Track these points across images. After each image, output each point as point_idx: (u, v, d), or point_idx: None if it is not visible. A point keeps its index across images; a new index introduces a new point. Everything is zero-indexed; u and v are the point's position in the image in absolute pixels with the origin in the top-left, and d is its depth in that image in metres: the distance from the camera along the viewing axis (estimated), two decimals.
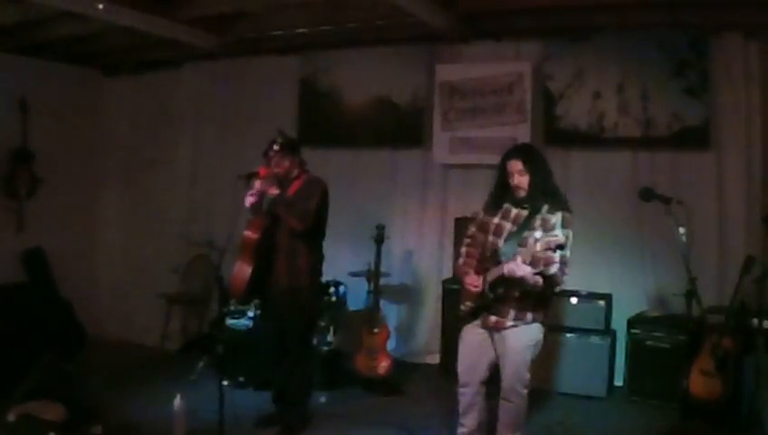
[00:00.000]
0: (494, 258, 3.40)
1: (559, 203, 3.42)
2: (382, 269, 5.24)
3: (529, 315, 3.42)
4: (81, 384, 4.21)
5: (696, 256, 4.17)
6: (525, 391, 3.48)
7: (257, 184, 4.00)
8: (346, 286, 5.54)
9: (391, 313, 5.77)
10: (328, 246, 4.29)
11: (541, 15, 5.19)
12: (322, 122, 6.11)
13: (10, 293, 5.60)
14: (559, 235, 3.22)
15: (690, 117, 4.89)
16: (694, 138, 4.90)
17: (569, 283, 5.13)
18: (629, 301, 5.05)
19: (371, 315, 5.16)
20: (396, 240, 5.72)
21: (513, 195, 3.47)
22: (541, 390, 4.88)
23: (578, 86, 5.24)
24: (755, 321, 4.09)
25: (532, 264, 3.21)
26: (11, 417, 3.56)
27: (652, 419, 4.39)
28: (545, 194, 3.41)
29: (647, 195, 4.10)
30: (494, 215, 3.52)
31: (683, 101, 4.90)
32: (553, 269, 3.26)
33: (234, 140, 6.37)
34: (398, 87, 5.84)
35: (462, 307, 3.60)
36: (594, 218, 5.22)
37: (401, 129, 5.86)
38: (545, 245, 3.13)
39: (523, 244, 3.29)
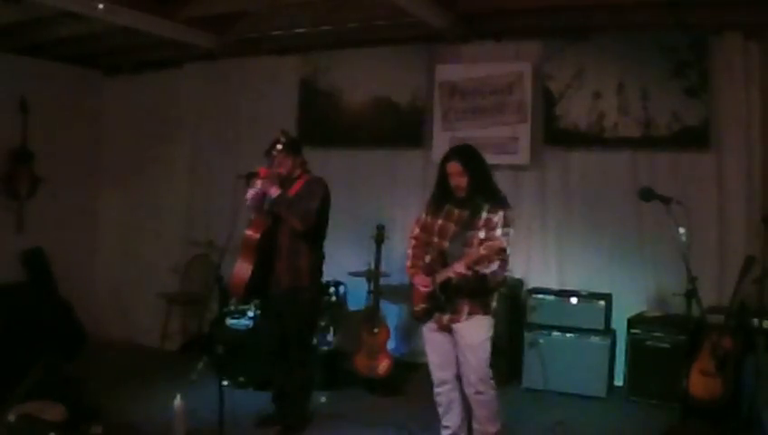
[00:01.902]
0: (441, 259, 3.51)
1: (499, 202, 3.52)
2: (382, 269, 5.24)
3: (480, 309, 3.54)
4: (81, 384, 4.22)
5: (695, 256, 4.16)
6: (492, 382, 3.59)
7: (258, 184, 4.01)
8: (346, 286, 5.54)
9: (391, 313, 5.75)
10: (328, 246, 4.29)
11: (541, 15, 5.19)
12: (322, 122, 6.11)
13: (10, 293, 5.60)
14: (500, 237, 3.35)
15: (690, 117, 4.89)
16: (694, 138, 4.90)
17: (569, 283, 5.20)
18: (629, 301, 5.05)
19: (371, 315, 5.16)
20: (396, 240, 5.70)
21: (454, 195, 3.56)
22: (541, 390, 4.89)
23: (578, 86, 5.25)
24: (755, 321, 4.10)
25: (476, 262, 3.31)
26: (11, 417, 3.56)
27: (652, 419, 4.39)
28: (484, 194, 3.51)
29: (647, 195, 4.10)
30: (437, 216, 3.62)
31: (683, 101, 4.90)
32: (494, 266, 3.37)
33: (234, 140, 6.37)
34: (398, 87, 5.84)
35: (416, 308, 3.69)
36: (594, 218, 5.25)
37: (401, 129, 5.86)
38: (489, 249, 3.23)
39: (467, 243, 3.41)
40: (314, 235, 4.12)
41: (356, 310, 5.59)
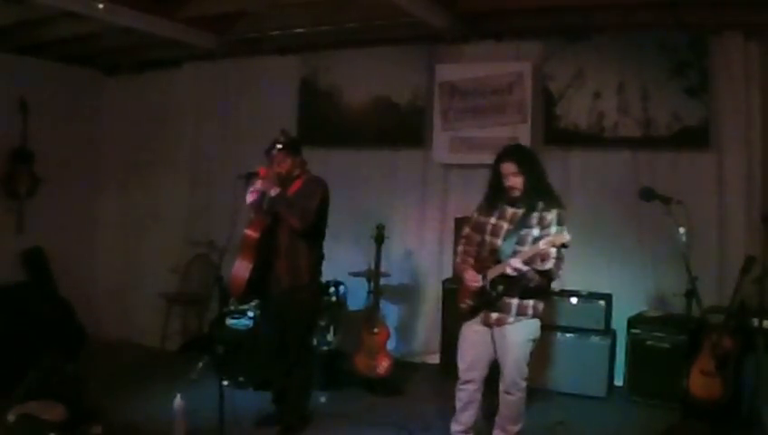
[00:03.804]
0: (493, 257, 3.50)
1: (553, 201, 3.53)
2: (382, 269, 5.24)
3: (530, 311, 3.53)
4: (81, 384, 4.21)
5: (696, 256, 4.17)
6: (525, 384, 3.60)
7: (258, 184, 4.01)
8: (346, 286, 5.54)
9: (391, 313, 5.76)
10: (328, 246, 4.30)
11: (541, 15, 5.19)
12: (322, 122, 6.11)
13: (10, 293, 5.60)
14: (564, 233, 3.30)
15: (690, 117, 4.89)
16: (694, 138, 4.90)
17: (569, 283, 5.19)
18: (629, 301, 5.05)
19: (371, 315, 5.16)
20: (396, 240, 5.71)
21: (508, 195, 3.56)
22: (541, 390, 4.89)
23: (578, 86, 5.25)
24: (755, 321, 4.09)
25: (530, 260, 3.32)
26: (11, 417, 3.56)
27: (652, 419, 4.39)
28: (539, 193, 3.51)
29: (647, 195, 4.10)
30: (490, 215, 3.62)
31: (683, 101, 4.90)
32: (549, 264, 3.37)
33: (234, 140, 6.37)
34: (398, 87, 5.84)
35: (462, 305, 3.68)
36: (594, 218, 5.24)
37: (401, 129, 5.86)
38: (550, 243, 3.24)
39: (521, 242, 3.41)
40: (313, 234, 4.12)
41: (356, 310, 5.59)
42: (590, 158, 5.31)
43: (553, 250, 3.32)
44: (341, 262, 5.41)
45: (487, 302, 3.54)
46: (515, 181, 3.51)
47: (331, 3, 5.31)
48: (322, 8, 5.38)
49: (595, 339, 4.90)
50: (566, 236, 3.26)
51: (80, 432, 3.77)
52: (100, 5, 4.77)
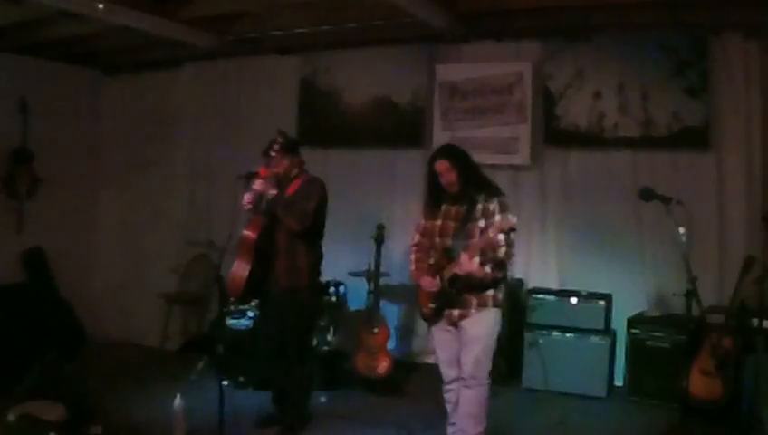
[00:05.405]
0: (447, 257, 3.54)
1: (492, 191, 3.59)
2: (382, 269, 5.24)
3: (490, 301, 3.57)
4: (81, 384, 4.22)
5: (695, 256, 4.17)
6: (487, 381, 3.58)
7: (257, 184, 4.01)
8: (346, 286, 5.54)
9: (391, 313, 5.76)
10: (328, 246, 4.30)
11: (541, 15, 5.19)
12: (322, 122, 6.11)
13: (10, 293, 5.60)
14: (509, 217, 3.36)
15: (690, 117, 4.89)
16: (694, 138, 4.90)
17: (569, 283, 5.20)
18: (629, 301, 5.05)
19: (371, 315, 5.16)
20: (396, 240, 5.71)
21: (448, 193, 3.62)
22: (541, 390, 4.89)
23: (578, 86, 5.25)
24: (755, 321, 4.09)
25: (482, 252, 3.36)
26: (11, 417, 3.56)
27: (652, 419, 4.39)
28: (476, 185, 3.58)
29: (647, 195, 4.10)
30: (436, 218, 3.68)
31: (683, 101, 4.90)
32: (501, 253, 3.43)
33: (234, 140, 6.37)
34: (398, 87, 5.84)
35: (425, 310, 3.72)
36: (594, 218, 5.25)
37: (401, 129, 5.86)
38: (498, 229, 3.27)
39: (469, 236, 3.45)
40: (312, 234, 4.12)
41: (356, 310, 5.59)
42: (590, 158, 5.31)
43: (502, 237, 3.36)
44: (341, 262, 5.41)
45: (449, 301, 3.57)
46: (450, 176, 3.57)
47: (331, 3, 5.31)
48: (322, 8, 5.39)
49: (595, 339, 4.90)
50: (512, 220, 3.31)
51: (80, 432, 3.77)
52: (101, 5, 4.77)
